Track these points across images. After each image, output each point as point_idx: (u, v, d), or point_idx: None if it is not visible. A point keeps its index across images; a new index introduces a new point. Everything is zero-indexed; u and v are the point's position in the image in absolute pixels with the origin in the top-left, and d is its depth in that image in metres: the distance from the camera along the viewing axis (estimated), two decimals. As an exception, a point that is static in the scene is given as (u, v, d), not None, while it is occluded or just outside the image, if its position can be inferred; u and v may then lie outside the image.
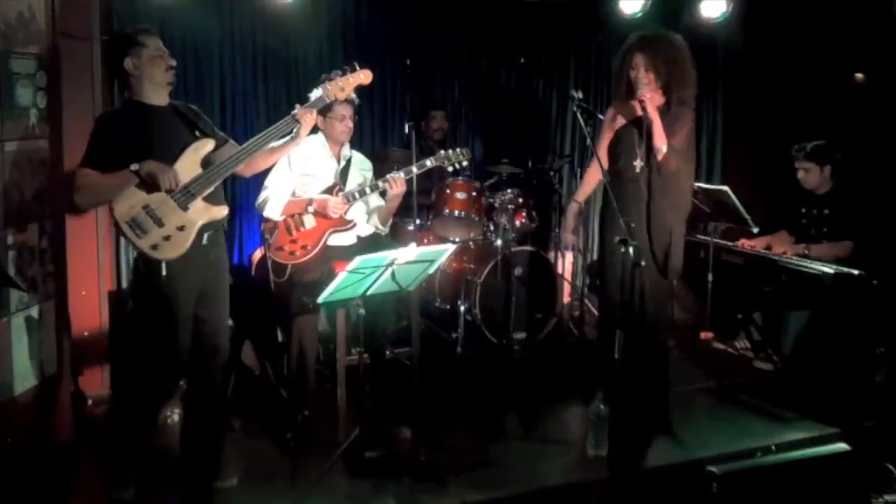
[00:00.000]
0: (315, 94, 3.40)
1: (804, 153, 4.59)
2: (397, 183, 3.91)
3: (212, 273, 3.25)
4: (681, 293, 4.94)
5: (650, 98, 3.48)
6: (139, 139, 3.06)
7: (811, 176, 4.60)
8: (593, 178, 3.90)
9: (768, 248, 4.59)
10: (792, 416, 3.96)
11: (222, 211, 3.19)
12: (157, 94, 3.15)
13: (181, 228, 3.09)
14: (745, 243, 4.67)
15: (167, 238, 3.07)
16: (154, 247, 3.06)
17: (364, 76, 3.38)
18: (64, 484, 3.18)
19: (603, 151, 3.77)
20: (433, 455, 3.51)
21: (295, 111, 3.30)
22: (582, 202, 4.03)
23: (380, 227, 4.19)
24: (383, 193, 4.07)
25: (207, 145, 3.18)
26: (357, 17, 5.40)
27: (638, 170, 3.58)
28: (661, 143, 3.49)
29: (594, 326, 5.44)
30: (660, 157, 3.51)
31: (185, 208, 3.10)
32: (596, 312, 5.67)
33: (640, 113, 3.57)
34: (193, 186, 3.11)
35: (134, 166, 3.00)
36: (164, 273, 3.05)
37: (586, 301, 5.38)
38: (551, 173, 5.69)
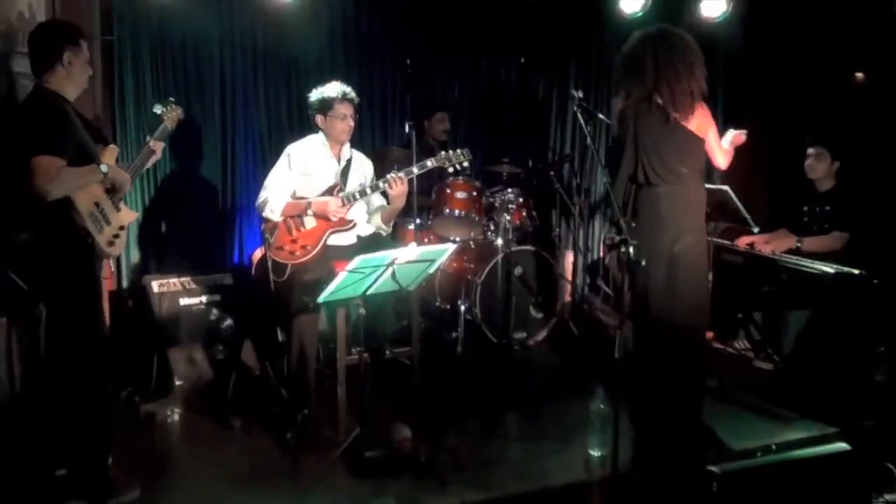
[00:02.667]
0: (161, 128, 3.61)
1: (819, 139, 4.60)
2: (397, 183, 3.91)
3: None
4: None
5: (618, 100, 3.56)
6: (80, 134, 3.05)
7: (821, 164, 4.59)
8: None
9: (751, 244, 4.56)
10: (792, 416, 3.95)
11: (135, 214, 3.43)
12: (73, 94, 3.13)
13: (122, 228, 3.25)
14: (743, 241, 4.63)
15: (116, 236, 3.21)
16: (110, 244, 3.17)
17: (180, 112, 3.72)
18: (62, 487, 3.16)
19: None
20: (433, 455, 3.50)
21: (149, 142, 3.52)
22: None
23: (382, 227, 4.19)
24: (385, 193, 4.07)
25: (115, 150, 3.26)
26: (357, 17, 5.40)
27: None
28: None
29: (595, 327, 5.47)
30: None
31: (118, 209, 3.25)
32: (598, 313, 5.72)
33: None
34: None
35: (104, 167, 3.07)
36: (112, 269, 3.15)
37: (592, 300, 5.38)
38: (551, 173, 5.69)
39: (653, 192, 3.46)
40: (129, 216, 3.37)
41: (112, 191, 3.19)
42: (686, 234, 3.46)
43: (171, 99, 3.76)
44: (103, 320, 3.25)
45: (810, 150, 4.63)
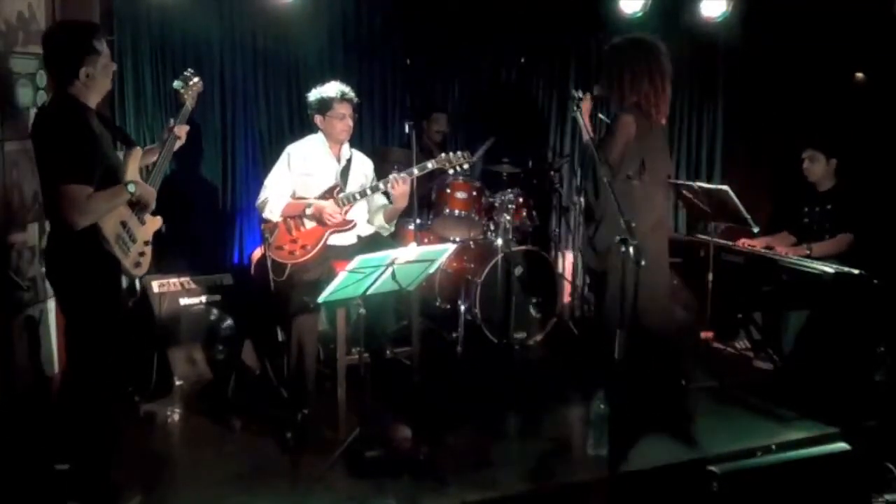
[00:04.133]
0: (183, 110, 3.35)
1: (812, 142, 4.63)
2: (399, 184, 3.90)
3: None
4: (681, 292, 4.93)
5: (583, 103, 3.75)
6: (102, 149, 2.90)
7: (817, 167, 4.62)
8: None
9: (768, 248, 4.59)
10: (792, 416, 3.95)
11: (160, 220, 3.20)
12: (96, 99, 2.98)
13: (147, 243, 3.12)
14: (745, 243, 4.66)
15: (142, 254, 3.09)
16: (137, 264, 3.06)
17: (200, 85, 3.43)
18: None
19: None
20: (433, 455, 3.50)
21: (172, 126, 3.25)
22: None
23: (384, 225, 4.18)
24: (386, 193, 4.07)
25: (139, 153, 3.12)
26: (357, 17, 5.40)
27: None
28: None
29: (595, 327, 5.47)
30: None
31: (143, 222, 3.11)
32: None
33: None
34: None
35: (131, 187, 2.91)
36: (138, 289, 3.02)
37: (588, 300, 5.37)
38: (551, 173, 5.69)
39: (634, 187, 3.64)
40: (154, 224, 3.19)
41: (137, 204, 3.03)
42: (654, 225, 3.70)
43: (190, 71, 3.41)
44: (122, 334, 3.10)
45: (804, 155, 4.68)
